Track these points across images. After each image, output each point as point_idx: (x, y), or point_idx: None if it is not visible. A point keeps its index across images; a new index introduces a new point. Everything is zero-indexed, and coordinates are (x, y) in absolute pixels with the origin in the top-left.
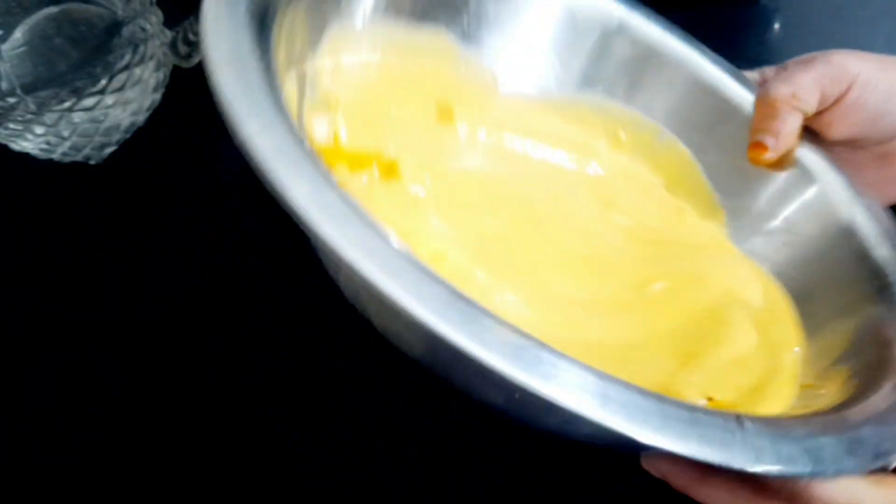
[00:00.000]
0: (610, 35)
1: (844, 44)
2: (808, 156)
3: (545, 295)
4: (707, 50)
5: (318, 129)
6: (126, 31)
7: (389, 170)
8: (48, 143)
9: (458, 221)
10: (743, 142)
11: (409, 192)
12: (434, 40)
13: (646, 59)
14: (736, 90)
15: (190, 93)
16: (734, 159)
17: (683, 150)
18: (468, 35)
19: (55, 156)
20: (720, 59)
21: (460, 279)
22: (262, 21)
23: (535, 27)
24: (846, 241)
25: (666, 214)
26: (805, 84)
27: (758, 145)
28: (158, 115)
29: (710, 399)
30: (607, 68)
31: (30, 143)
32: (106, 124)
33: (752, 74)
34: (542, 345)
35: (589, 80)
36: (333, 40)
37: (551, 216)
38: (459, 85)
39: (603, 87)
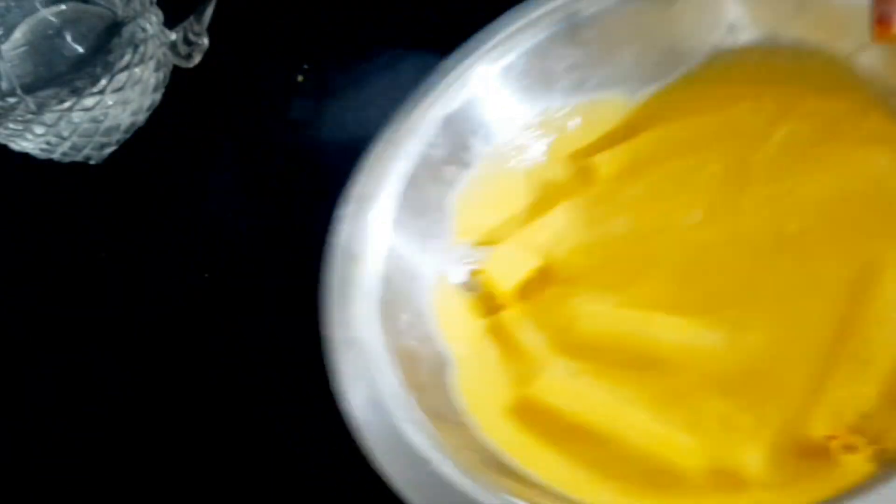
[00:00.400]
0: None
1: None
2: None
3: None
4: None
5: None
6: (126, 32)
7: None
8: (48, 143)
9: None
10: None
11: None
12: None
13: None
14: None
15: (190, 93)
16: None
17: None
18: None
19: (55, 156)
20: None
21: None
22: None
23: None
24: None
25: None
26: None
27: (882, 21)
28: (158, 115)
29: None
30: None
31: (30, 143)
32: (106, 124)
33: None
34: None
35: None
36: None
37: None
38: None
39: None
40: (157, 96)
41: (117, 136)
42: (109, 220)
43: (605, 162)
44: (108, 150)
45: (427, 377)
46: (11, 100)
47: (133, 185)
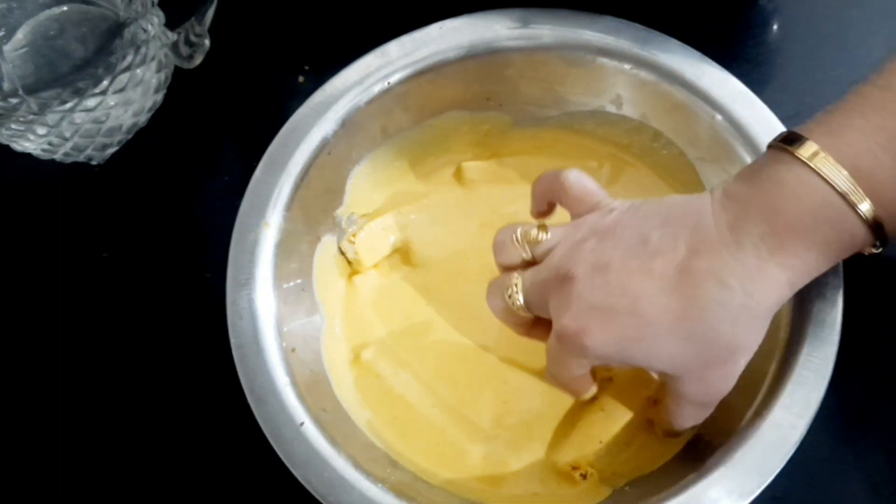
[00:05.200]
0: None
1: (843, 44)
2: None
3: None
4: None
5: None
6: (128, 33)
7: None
8: (50, 143)
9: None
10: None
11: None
12: None
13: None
14: None
15: (192, 94)
16: None
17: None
18: None
19: (57, 156)
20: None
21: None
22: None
23: None
24: None
25: None
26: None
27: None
28: (160, 115)
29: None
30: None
31: (32, 143)
32: (108, 125)
33: None
34: None
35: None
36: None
37: None
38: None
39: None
40: (159, 97)
41: (119, 137)
42: (111, 221)
43: (471, 169)
44: (110, 151)
45: (302, 324)
46: (13, 100)
47: (134, 186)
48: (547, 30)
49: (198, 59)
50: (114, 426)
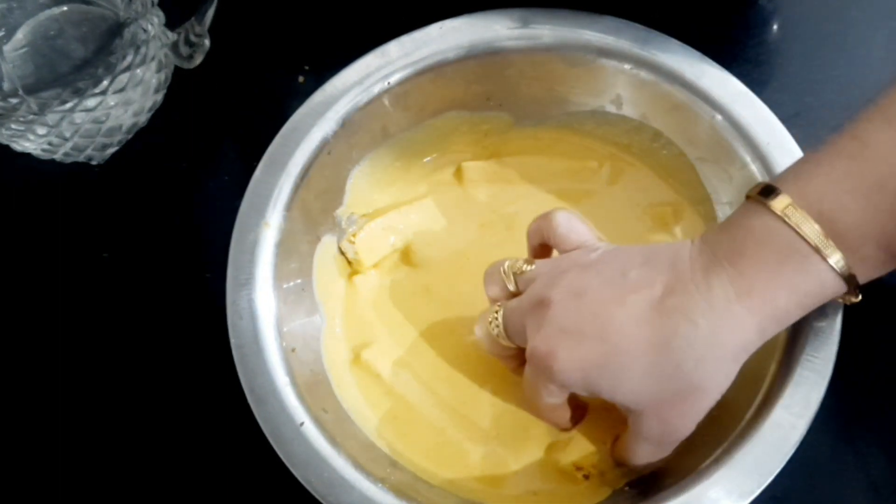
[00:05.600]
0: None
1: (843, 44)
2: None
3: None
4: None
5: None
6: (128, 33)
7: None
8: (50, 143)
9: None
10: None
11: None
12: None
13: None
14: None
15: (192, 94)
16: None
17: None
18: None
19: (57, 156)
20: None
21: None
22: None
23: None
24: None
25: None
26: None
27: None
28: (160, 115)
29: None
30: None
31: (32, 143)
32: (108, 125)
33: None
34: None
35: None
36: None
37: None
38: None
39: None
40: (159, 97)
41: (119, 137)
42: (111, 221)
43: (471, 169)
44: (110, 151)
45: (302, 324)
46: (13, 100)
47: (134, 186)
48: (547, 30)
49: (198, 59)
50: (114, 426)
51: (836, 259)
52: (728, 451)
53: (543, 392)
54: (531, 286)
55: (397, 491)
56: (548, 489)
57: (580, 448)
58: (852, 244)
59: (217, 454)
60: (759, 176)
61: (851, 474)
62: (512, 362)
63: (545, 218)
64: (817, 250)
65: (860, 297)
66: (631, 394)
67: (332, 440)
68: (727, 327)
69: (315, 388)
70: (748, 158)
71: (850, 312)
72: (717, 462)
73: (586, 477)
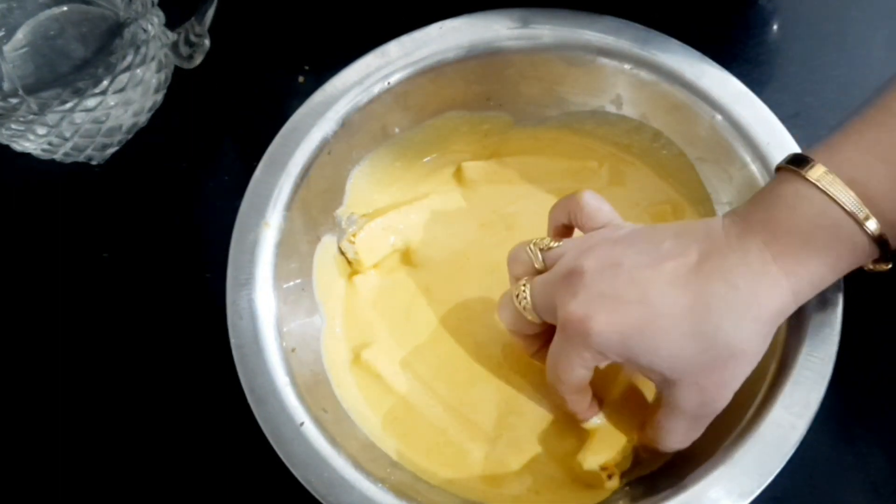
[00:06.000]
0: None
1: (843, 44)
2: None
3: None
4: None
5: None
6: (128, 33)
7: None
8: (50, 143)
9: None
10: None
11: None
12: None
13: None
14: None
15: (192, 94)
16: None
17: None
18: None
19: (57, 156)
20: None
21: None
22: None
23: None
24: None
25: None
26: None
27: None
28: (160, 115)
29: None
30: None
31: (32, 143)
32: (108, 125)
33: None
34: None
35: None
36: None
37: None
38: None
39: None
40: (159, 97)
41: (119, 137)
42: (111, 221)
43: (471, 169)
44: (110, 151)
45: (302, 324)
46: (13, 100)
47: (134, 186)
48: (547, 30)
49: (198, 59)
50: (114, 426)
51: (871, 224)
52: (728, 451)
53: (576, 362)
54: (560, 261)
55: (397, 491)
56: (549, 489)
57: (608, 448)
58: (884, 209)
59: (217, 454)
60: (759, 176)
61: (851, 474)
62: (534, 343)
63: (571, 199)
64: (852, 216)
65: (890, 264)
66: (670, 358)
67: (332, 440)
68: (764, 288)
69: (315, 388)
70: (748, 158)
71: (850, 312)
72: (717, 462)
73: (610, 477)
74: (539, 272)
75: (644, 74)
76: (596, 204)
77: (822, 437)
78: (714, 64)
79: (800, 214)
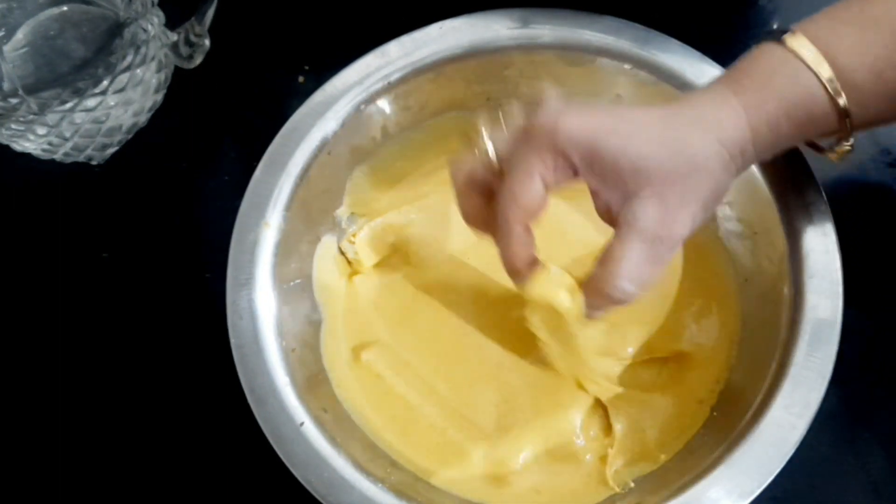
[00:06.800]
0: None
1: None
2: None
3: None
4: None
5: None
6: (128, 33)
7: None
8: (50, 143)
9: None
10: None
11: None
12: None
13: None
14: None
15: (192, 94)
16: None
17: None
18: None
19: (57, 156)
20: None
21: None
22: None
23: None
24: None
25: None
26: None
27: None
28: (160, 115)
29: None
30: None
31: (32, 143)
32: (108, 125)
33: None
34: None
35: None
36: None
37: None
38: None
39: None
40: (159, 97)
41: (119, 137)
42: (111, 221)
43: None
44: (110, 151)
45: (302, 324)
46: (13, 100)
47: (134, 186)
48: (547, 30)
49: (198, 59)
50: (114, 426)
51: (826, 74)
52: (728, 451)
53: (536, 166)
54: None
55: (397, 491)
56: (549, 489)
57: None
58: (845, 68)
59: (217, 454)
60: (759, 175)
61: (851, 474)
62: (483, 203)
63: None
64: (809, 66)
65: (852, 143)
66: (637, 159)
67: (332, 440)
68: (726, 115)
69: (315, 388)
70: None
71: (850, 312)
72: (717, 462)
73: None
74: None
75: (644, 74)
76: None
77: (822, 437)
78: (714, 64)
79: (763, 65)
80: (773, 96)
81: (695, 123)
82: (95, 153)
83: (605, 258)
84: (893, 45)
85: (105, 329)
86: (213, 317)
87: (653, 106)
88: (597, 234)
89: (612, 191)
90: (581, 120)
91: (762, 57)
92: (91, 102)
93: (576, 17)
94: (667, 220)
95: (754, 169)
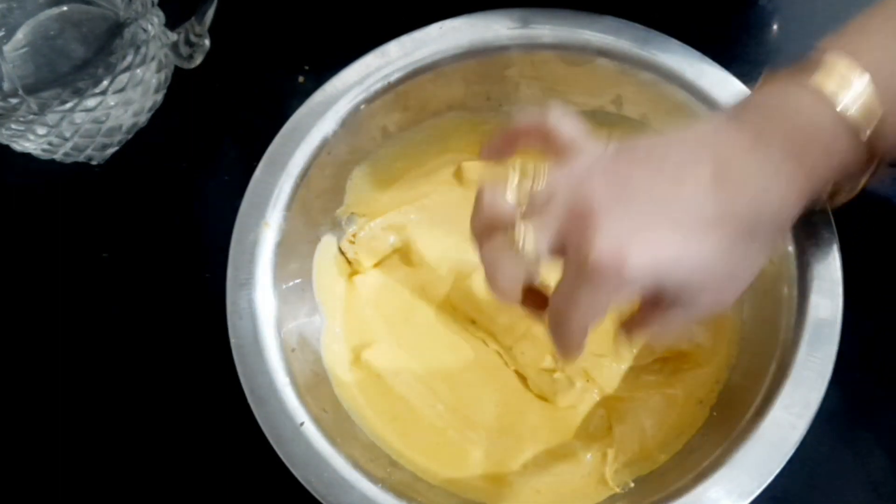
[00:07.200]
0: None
1: None
2: None
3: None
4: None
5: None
6: (128, 33)
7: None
8: (50, 143)
9: None
10: None
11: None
12: None
13: None
14: None
15: (192, 94)
16: None
17: None
18: None
19: (57, 156)
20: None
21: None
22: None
23: None
24: None
25: None
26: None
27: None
28: (160, 115)
29: None
30: None
31: (32, 143)
32: (108, 125)
33: None
34: None
35: None
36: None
37: None
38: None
39: None
40: (159, 97)
41: (119, 137)
42: (111, 221)
43: (471, 169)
44: (110, 151)
45: (302, 324)
46: (13, 100)
47: (134, 186)
48: (547, 30)
49: (198, 59)
50: (114, 426)
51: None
52: (728, 451)
53: (603, 302)
54: (553, 200)
55: (397, 491)
56: (549, 489)
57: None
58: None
59: (217, 454)
60: None
61: (851, 474)
62: (520, 296)
63: (543, 122)
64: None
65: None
66: (702, 279)
67: (332, 440)
68: (787, 188)
69: (315, 388)
70: None
71: (850, 312)
72: (717, 462)
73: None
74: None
75: (644, 74)
76: (571, 129)
77: (822, 437)
78: (714, 64)
79: (811, 121)
80: (821, 157)
81: (760, 220)
82: (95, 153)
83: (650, 326)
84: None
85: (105, 329)
86: (213, 317)
87: (704, 174)
88: None
89: (672, 295)
90: (644, 253)
91: (808, 111)
92: (91, 102)
93: (576, 17)
94: (720, 300)
95: None
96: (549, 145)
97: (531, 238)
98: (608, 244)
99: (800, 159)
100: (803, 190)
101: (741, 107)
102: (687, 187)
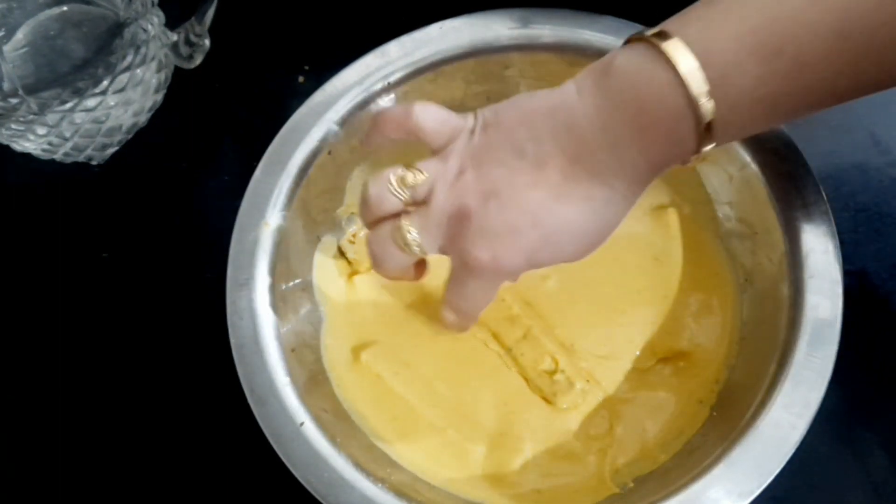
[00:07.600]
0: None
1: None
2: None
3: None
4: None
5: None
6: (128, 33)
7: None
8: (50, 143)
9: None
10: None
11: None
12: None
13: None
14: None
15: (191, 94)
16: None
17: None
18: None
19: (57, 156)
20: None
21: None
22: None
23: None
24: None
25: None
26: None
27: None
28: (160, 115)
29: None
30: None
31: (32, 143)
32: (108, 125)
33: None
34: None
35: None
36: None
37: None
38: None
39: None
40: (159, 97)
41: (119, 137)
42: (111, 221)
43: None
44: (110, 151)
45: (302, 324)
46: (13, 100)
47: (134, 186)
48: (547, 30)
49: (198, 59)
50: (114, 426)
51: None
52: (728, 451)
53: (490, 293)
54: (433, 199)
55: (397, 491)
56: (550, 489)
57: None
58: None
59: (217, 454)
60: (759, 175)
61: (851, 474)
62: (405, 273)
63: (407, 118)
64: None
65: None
66: (571, 255)
67: (332, 440)
68: (637, 185)
69: (315, 388)
70: (748, 158)
71: (850, 313)
72: (717, 462)
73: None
74: (407, 205)
75: None
76: (435, 119)
77: (822, 437)
78: None
79: (664, 107)
80: (671, 147)
81: (613, 209)
82: (95, 153)
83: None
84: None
85: (105, 329)
86: (213, 317)
87: (559, 173)
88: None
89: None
90: (514, 253)
91: (662, 94)
92: (91, 102)
93: (576, 17)
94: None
95: (754, 169)
96: (418, 138)
97: (415, 237)
98: (483, 251)
99: (645, 146)
100: (654, 174)
101: (604, 71)
102: (543, 190)
